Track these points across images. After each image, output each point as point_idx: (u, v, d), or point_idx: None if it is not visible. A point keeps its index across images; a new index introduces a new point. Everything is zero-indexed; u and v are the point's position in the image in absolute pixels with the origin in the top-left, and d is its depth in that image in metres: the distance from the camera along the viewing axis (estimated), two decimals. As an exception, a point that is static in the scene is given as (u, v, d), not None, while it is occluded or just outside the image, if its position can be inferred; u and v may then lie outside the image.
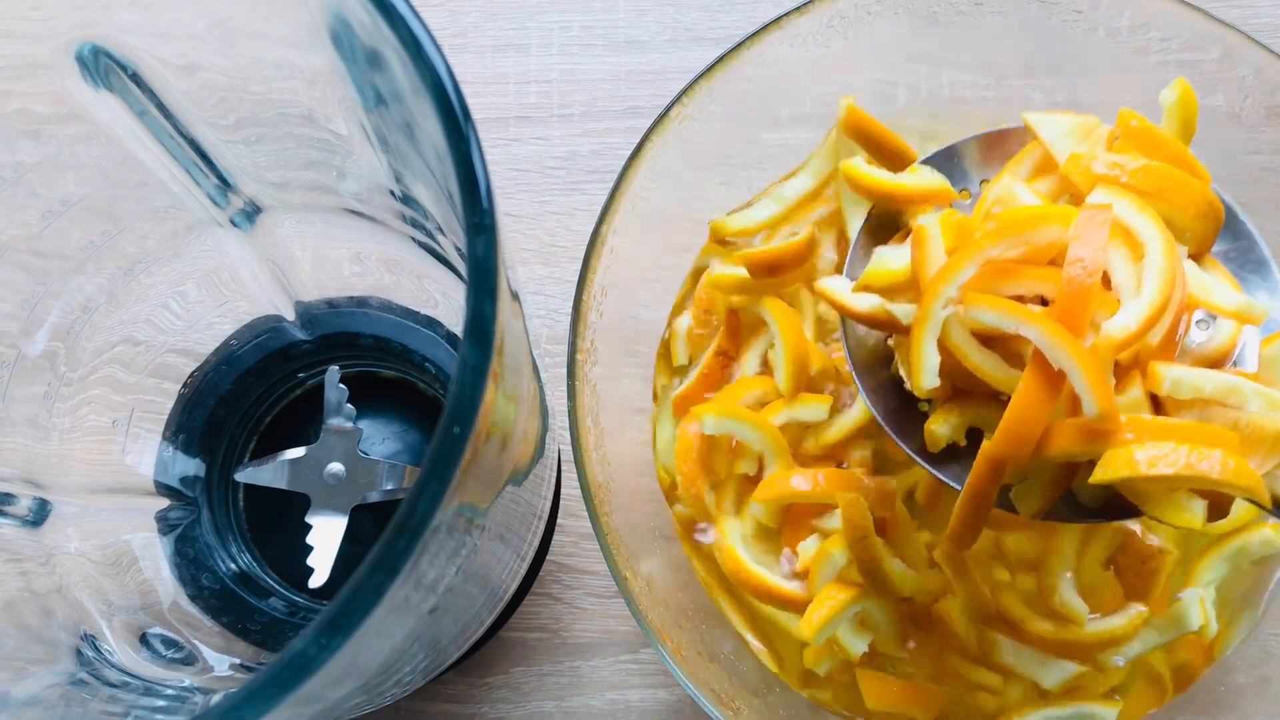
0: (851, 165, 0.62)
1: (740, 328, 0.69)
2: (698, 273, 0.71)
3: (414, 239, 0.56)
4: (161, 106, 0.53)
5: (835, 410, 0.66)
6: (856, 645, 0.62)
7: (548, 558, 0.73)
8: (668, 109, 0.63)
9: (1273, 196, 0.66)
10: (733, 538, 0.65)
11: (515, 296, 0.39)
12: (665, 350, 0.70)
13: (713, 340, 0.69)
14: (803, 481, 0.64)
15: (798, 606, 0.64)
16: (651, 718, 0.72)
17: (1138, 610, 0.62)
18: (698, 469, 0.65)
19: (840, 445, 0.66)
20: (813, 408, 0.65)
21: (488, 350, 0.32)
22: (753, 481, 0.66)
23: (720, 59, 0.63)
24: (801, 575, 0.65)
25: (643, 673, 0.73)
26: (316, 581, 0.65)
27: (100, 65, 0.50)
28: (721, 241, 0.71)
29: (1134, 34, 0.65)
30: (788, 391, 0.65)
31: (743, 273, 0.66)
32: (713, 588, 0.67)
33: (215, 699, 0.52)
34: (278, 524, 0.69)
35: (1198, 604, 0.63)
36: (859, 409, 0.65)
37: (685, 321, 0.70)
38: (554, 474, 0.67)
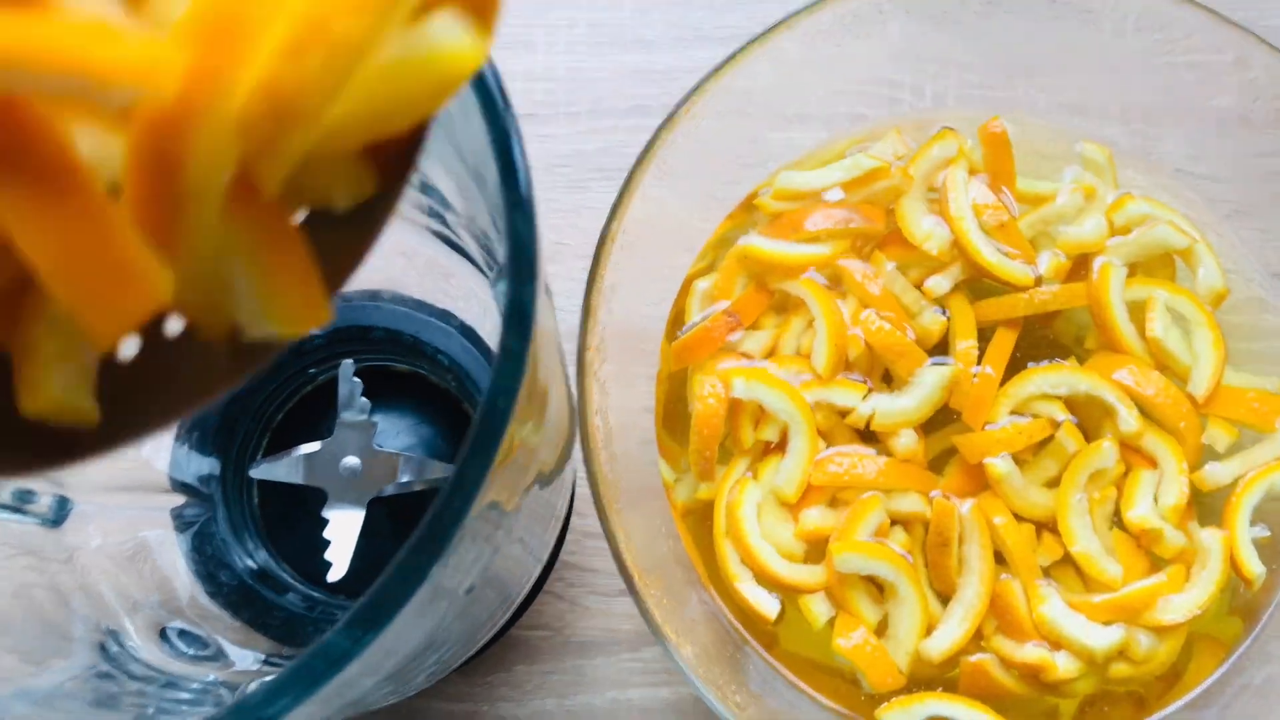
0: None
1: (759, 298, 0.68)
2: (722, 240, 0.71)
3: (429, 229, 0.56)
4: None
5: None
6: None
7: (550, 556, 0.73)
8: (678, 107, 0.63)
9: (1281, 199, 0.66)
10: (747, 507, 0.65)
11: (545, 288, 0.39)
12: (676, 316, 0.70)
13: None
14: (873, 469, 0.65)
15: (794, 590, 0.65)
16: (654, 716, 0.72)
17: (1169, 572, 0.63)
18: (714, 433, 0.65)
19: (887, 432, 0.66)
20: (847, 392, 0.65)
21: (527, 333, 0.32)
22: (772, 449, 0.66)
23: (730, 58, 0.63)
24: (806, 539, 0.65)
25: (645, 671, 0.73)
26: (335, 575, 0.65)
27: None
28: (751, 208, 0.71)
29: (1142, 35, 0.65)
30: (826, 373, 0.65)
31: (780, 250, 0.67)
32: (710, 578, 0.67)
33: (252, 686, 0.52)
34: (293, 519, 0.68)
35: (1220, 540, 0.64)
36: (913, 398, 0.65)
37: (704, 284, 0.69)
38: (573, 475, 0.67)
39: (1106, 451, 0.63)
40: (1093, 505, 0.64)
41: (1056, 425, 0.64)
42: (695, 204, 0.69)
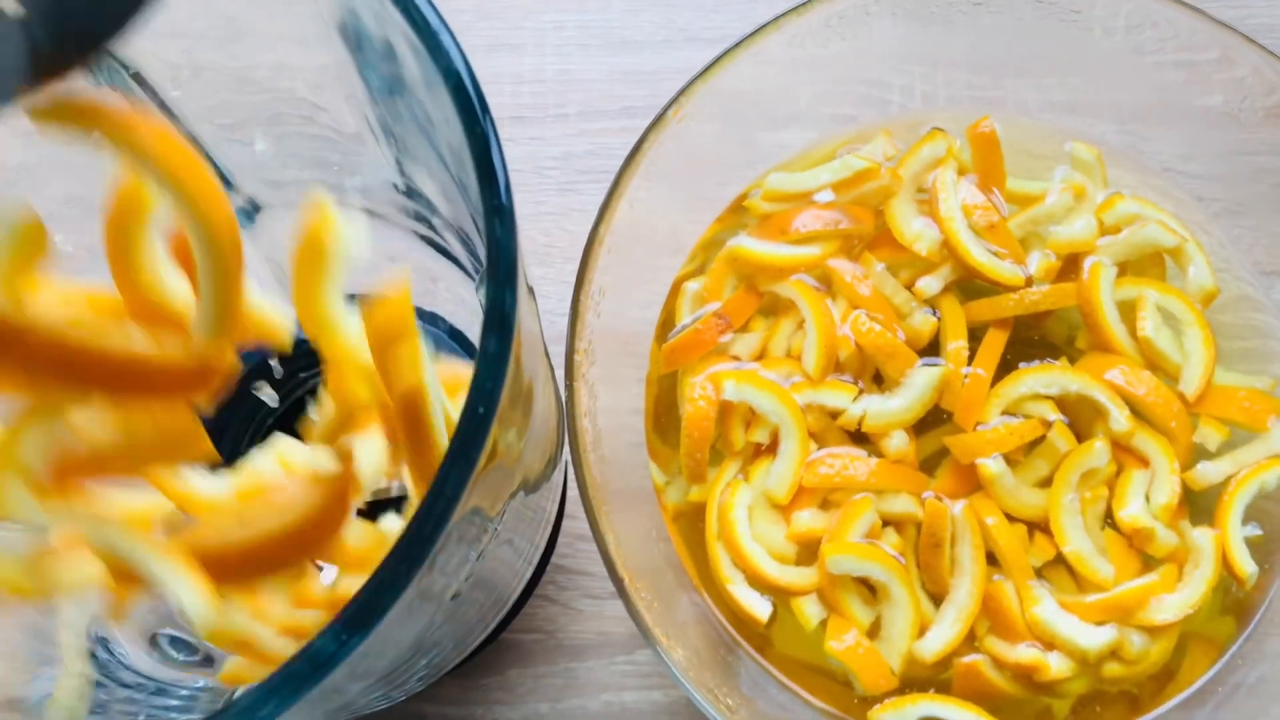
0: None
1: (749, 300, 0.68)
2: (711, 242, 0.71)
3: (417, 233, 0.56)
4: (162, 104, 0.53)
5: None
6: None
7: (543, 559, 0.73)
8: (666, 109, 0.63)
9: (1271, 196, 0.66)
10: (739, 509, 0.65)
11: (530, 291, 0.39)
12: (666, 319, 0.70)
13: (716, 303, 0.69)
14: (864, 470, 0.64)
15: (785, 593, 0.64)
16: (647, 719, 0.72)
17: (1161, 571, 0.63)
18: (705, 435, 0.65)
19: (878, 433, 0.66)
20: (837, 394, 0.65)
21: (508, 334, 0.32)
22: (764, 451, 0.66)
23: (718, 59, 0.63)
24: (798, 541, 0.65)
25: (638, 674, 0.73)
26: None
27: (101, 63, 0.49)
28: (740, 210, 0.71)
29: (1131, 34, 0.65)
30: (816, 374, 0.65)
31: (770, 251, 0.67)
32: (703, 583, 0.67)
33: (240, 692, 0.52)
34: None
35: (1212, 539, 0.64)
36: (904, 400, 0.65)
37: (694, 286, 0.69)
38: (562, 478, 0.67)
39: (1098, 451, 0.63)
40: (1084, 505, 0.64)
41: (1048, 425, 0.64)
42: (684, 205, 0.69)
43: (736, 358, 0.67)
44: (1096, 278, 0.65)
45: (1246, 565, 0.64)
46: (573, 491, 0.70)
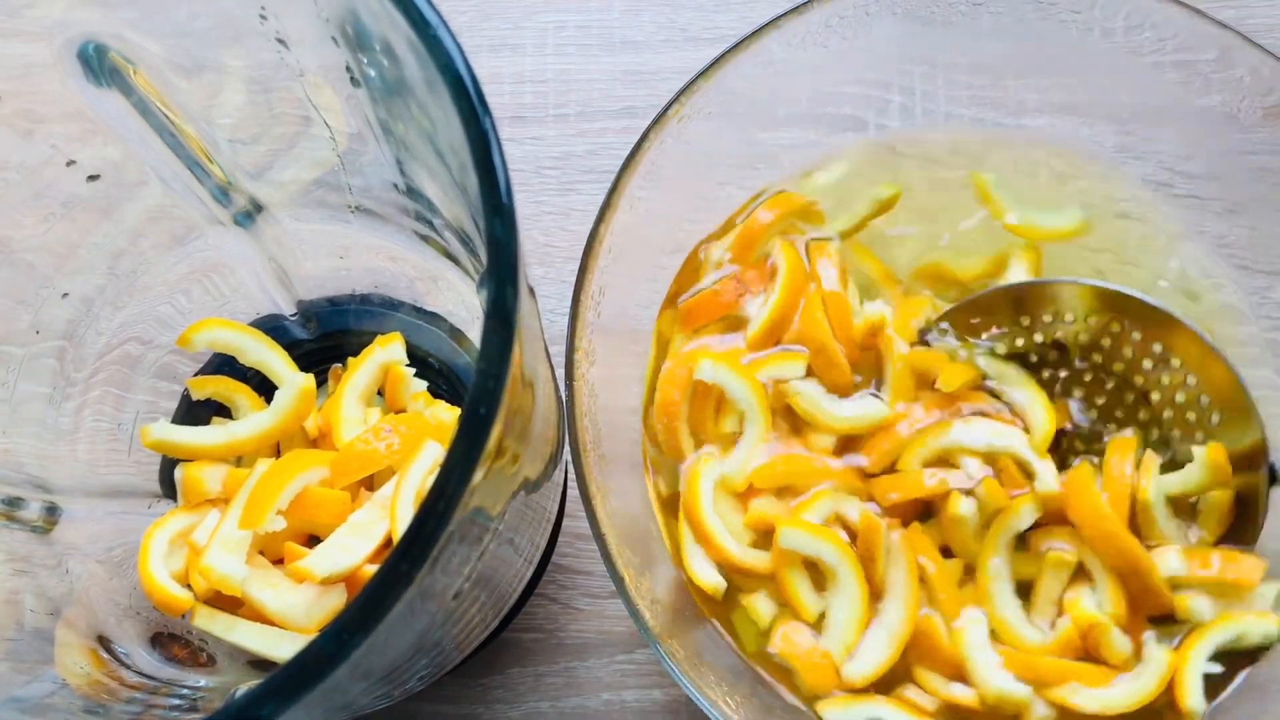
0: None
1: (769, 272, 0.69)
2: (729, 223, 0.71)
3: (417, 233, 0.56)
4: (164, 104, 0.53)
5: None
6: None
7: (543, 559, 0.73)
8: (666, 109, 0.63)
9: (1270, 197, 0.66)
10: (705, 480, 0.65)
11: (531, 291, 0.39)
12: (677, 290, 0.70)
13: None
14: (818, 468, 0.65)
15: (741, 573, 0.64)
16: (647, 718, 0.72)
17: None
18: (678, 405, 0.66)
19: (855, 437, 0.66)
20: (786, 365, 0.66)
21: (510, 334, 0.32)
22: (734, 439, 0.66)
23: (718, 59, 0.63)
24: (754, 529, 0.65)
25: (638, 673, 0.73)
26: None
27: (104, 63, 0.50)
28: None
29: (1130, 34, 0.65)
30: (753, 340, 0.66)
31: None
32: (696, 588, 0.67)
33: (241, 691, 0.52)
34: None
35: (1167, 655, 0.61)
36: (851, 410, 0.65)
37: (718, 252, 0.70)
38: (563, 477, 0.67)
39: (1024, 514, 0.62)
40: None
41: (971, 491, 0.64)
42: (684, 205, 0.69)
43: (747, 319, 0.67)
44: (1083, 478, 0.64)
45: (1193, 700, 0.60)
46: (573, 491, 0.70)
